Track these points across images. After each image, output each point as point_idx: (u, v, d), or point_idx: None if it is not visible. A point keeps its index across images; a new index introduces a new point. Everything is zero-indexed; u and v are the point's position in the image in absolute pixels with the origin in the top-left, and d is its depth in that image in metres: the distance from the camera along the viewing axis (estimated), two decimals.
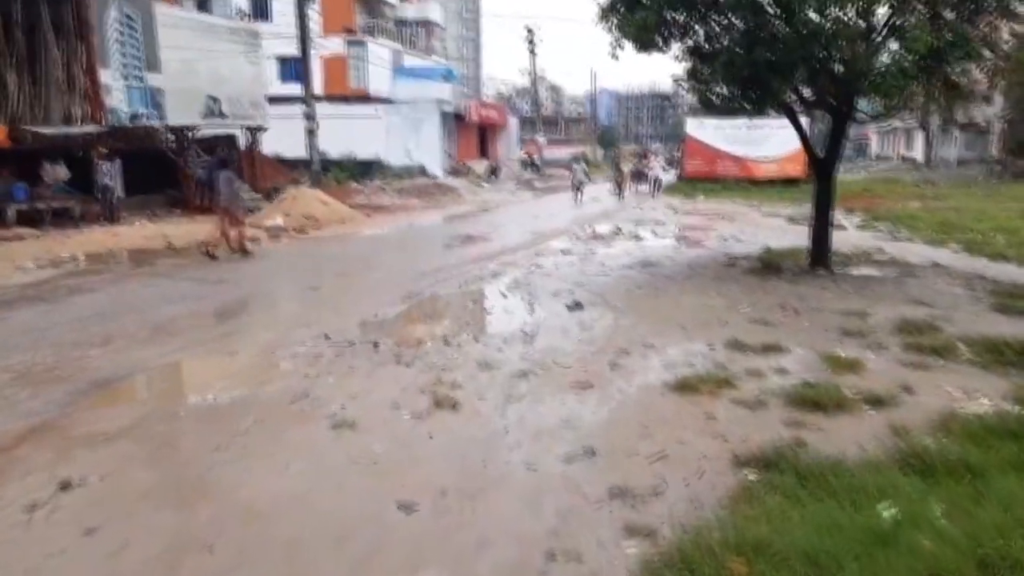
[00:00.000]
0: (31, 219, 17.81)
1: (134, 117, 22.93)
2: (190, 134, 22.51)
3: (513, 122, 57.14)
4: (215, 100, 23.34)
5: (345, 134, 33.46)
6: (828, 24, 9.83)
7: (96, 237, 16.81)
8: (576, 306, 9.69)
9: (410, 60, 46.03)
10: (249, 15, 34.67)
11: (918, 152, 53.00)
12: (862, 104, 13.03)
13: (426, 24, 52.94)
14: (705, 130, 33.65)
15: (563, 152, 60.12)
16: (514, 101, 79.83)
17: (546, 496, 4.31)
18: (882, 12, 10.69)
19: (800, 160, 31.55)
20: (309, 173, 26.37)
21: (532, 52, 55.24)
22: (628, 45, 11.59)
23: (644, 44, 11.41)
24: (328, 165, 30.51)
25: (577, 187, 28.89)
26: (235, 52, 23.93)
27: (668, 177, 35.81)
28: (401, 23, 49.15)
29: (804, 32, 9.98)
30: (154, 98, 24.09)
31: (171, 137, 22.15)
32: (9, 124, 18.26)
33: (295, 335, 8.24)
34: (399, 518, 4.05)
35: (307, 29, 26.32)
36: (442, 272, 12.56)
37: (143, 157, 21.34)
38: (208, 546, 3.77)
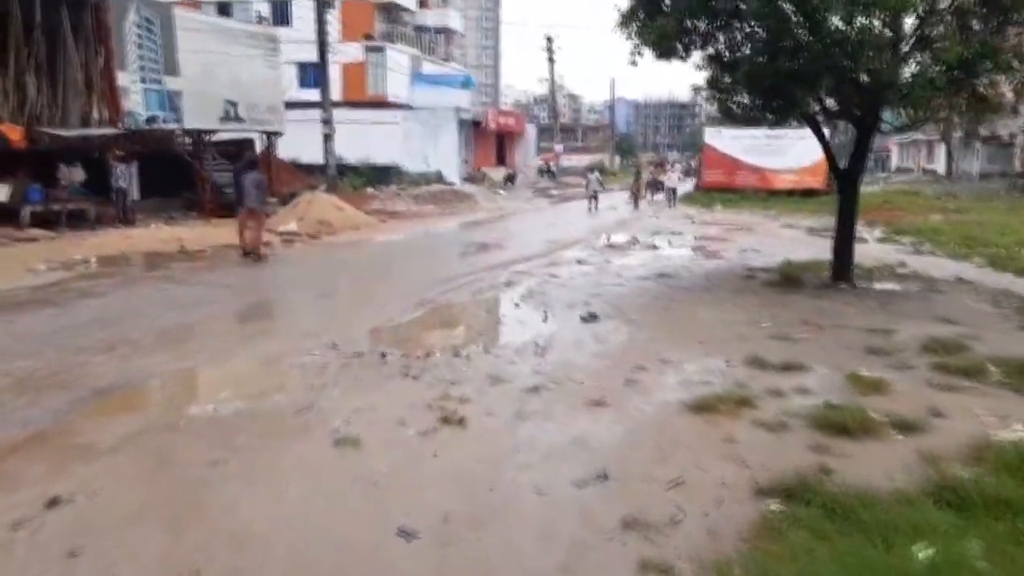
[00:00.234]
0: (46, 221, 17.80)
1: (151, 120, 23.01)
2: (207, 138, 22.51)
3: (531, 130, 57.04)
4: (233, 104, 23.32)
5: (363, 140, 33.47)
6: (854, 33, 9.55)
7: (110, 240, 16.78)
8: (591, 318, 9.45)
9: (429, 67, 46.08)
10: (268, 20, 34.71)
11: (939, 165, 52.39)
12: (886, 116, 12.74)
13: (445, 31, 53.05)
14: (724, 140, 33.34)
15: (581, 160, 60.02)
16: (532, 109, 79.72)
17: (556, 525, 4.07)
18: (910, 22, 10.44)
19: (820, 171, 31.19)
20: (325, 178, 26.35)
21: (551, 60, 55.14)
22: (648, 53, 11.38)
23: (664, 52, 11.19)
24: (345, 170, 30.52)
25: (592, 196, 28.65)
26: (253, 56, 23.92)
27: (685, 187, 35.53)
28: (420, 30, 49.24)
29: (829, 41, 9.73)
30: (172, 101, 24.17)
31: (188, 140, 22.16)
32: (27, 125, 18.28)
33: (303, 344, 8.05)
34: (399, 547, 3.82)
35: (326, 35, 26.33)
36: (455, 280, 12.36)
37: (160, 160, 21.37)
38: (195, 573, 3.56)
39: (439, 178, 36.50)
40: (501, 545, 3.89)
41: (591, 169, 36.08)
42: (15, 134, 17.28)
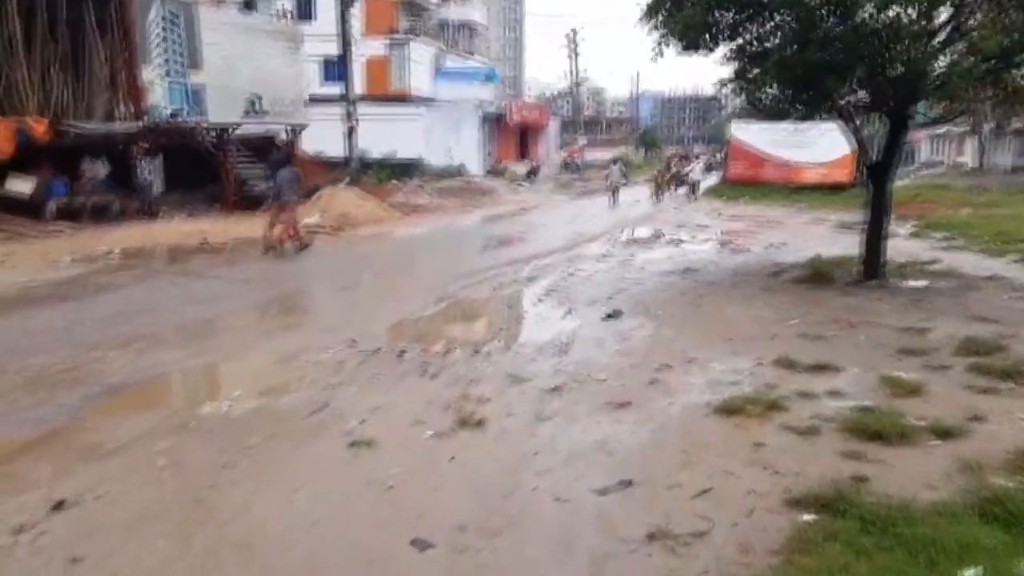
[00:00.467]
0: (70, 214, 17.87)
1: (175, 114, 22.99)
2: (231, 131, 22.51)
3: (554, 123, 56.68)
4: (256, 98, 23.28)
5: (386, 134, 33.39)
6: (889, 21, 9.23)
7: (133, 233, 16.79)
8: (614, 314, 9.24)
9: (452, 61, 45.84)
10: (292, 14, 34.68)
11: (969, 158, 51.37)
12: (919, 108, 12.39)
13: (468, 25, 52.79)
14: (750, 133, 32.83)
15: (604, 154, 59.59)
16: (556, 103, 79.35)
17: (577, 535, 3.87)
18: (945, 11, 10.09)
19: (847, 165, 30.65)
20: (348, 172, 26.31)
21: (575, 53, 54.78)
22: (673, 46, 11.09)
23: (689, 44, 10.88)
24: (369, 164, 30.46)
25: (613, 190, 28.09)
26: (277, 51, 23.87)
27: (708, 181, 35.13)
28: (443, 24, 49.03)
29: (862, 31, 9.42)
30: (195, 95, 24.13)
31: (211, 134, 22.17)
32: (51, 120, 18.34)
33: (321, 340, 7.92)
34: (412, 558, 3.65)
35: (349, 29, 26.25)
36: (476, 275, 12.18)
37: (184, 154, 21.37)
38: None
39: (461, 172, 36.34)
40: (518, 557, 3.70)
41: (614, 160, 35.61)
42: (40, 128, 17.34)
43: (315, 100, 27.77)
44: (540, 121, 50.73)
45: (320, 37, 30.16)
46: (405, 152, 34.87)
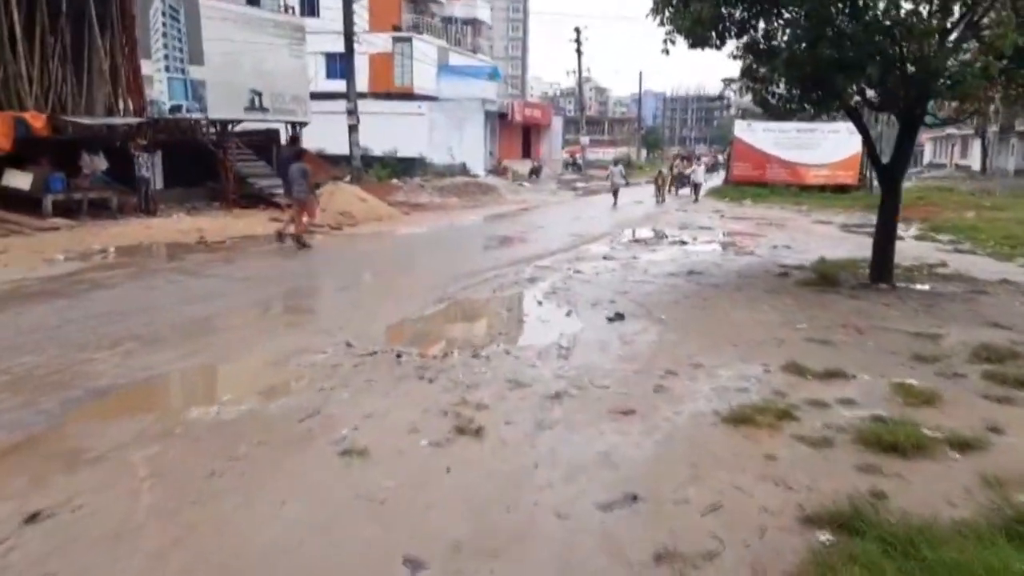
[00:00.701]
0: (68, 209, 17.66)
1: (175, 109, 22.78)
2: (231, 127, 22.30)
3: (557, 122, 56.41)
4: (257, 94, 23.06)
5: (389, 131, 33.21)
6: (902, 17, 8.99)
7: (130, 230, 16.59)
8: (617, 317, 9.02)
9: (456, 58, 45.62)
10: (295, 9, 34.47)
11: (974, 160, 51.10)
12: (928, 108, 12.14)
13: (473, 23, 52.60)
14: (754, 133, 32.59)
15: (607, 153, 59.41)
16: (559, 102, 79.09)
17: (578, 555, 3.65)
18: (958, 7, 9.85)
19: (853, 166, 30.44)
20: (350, 169, 26.11)
21: (579, 52, 54.41)
22: (680, 42, 10.87)
23: (698, 40, 10.66)
24: (371, 162, 30.26)
25: (614, 191, 27.92)
26: (279, 46, 23.64)
27: (710, 182, 34.93)
28: (448, 21, 48.84)
29: (874, 27, 9.19)
30: (196, 90, 23.92)
31: (212, 130, 21.96)
32: (50, 113, 18.14)
33: (316, 341, 7.71)
34: None
35: (352, 25, 26.04)
36: (477, 275, 11.96)
37: (184, 149, 21.18)
38: None
39: (464, 170, 36.11)
40: None
41: (615, 162, 35.42)
42: (39, 122, 17.12)
43: (317, 96, 27.57)
44: (543, 120, 50.48)
45: (324, 33, 29.99)
46: (407, 150, 34.67)
